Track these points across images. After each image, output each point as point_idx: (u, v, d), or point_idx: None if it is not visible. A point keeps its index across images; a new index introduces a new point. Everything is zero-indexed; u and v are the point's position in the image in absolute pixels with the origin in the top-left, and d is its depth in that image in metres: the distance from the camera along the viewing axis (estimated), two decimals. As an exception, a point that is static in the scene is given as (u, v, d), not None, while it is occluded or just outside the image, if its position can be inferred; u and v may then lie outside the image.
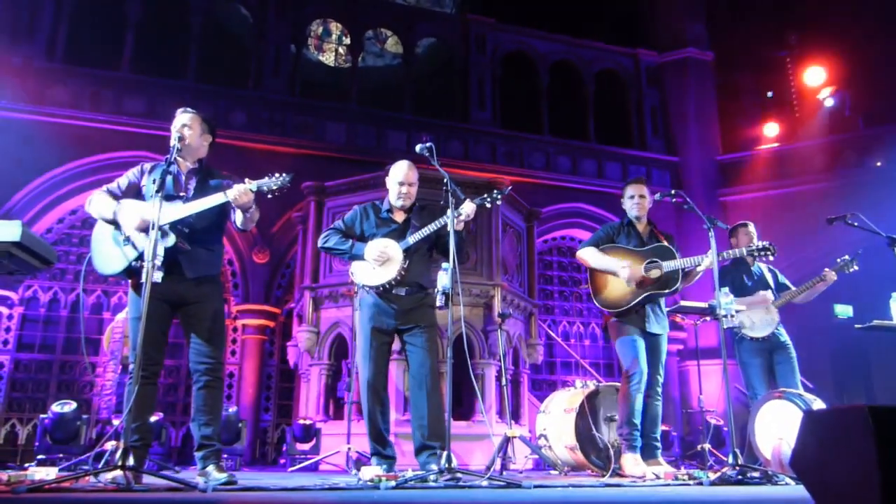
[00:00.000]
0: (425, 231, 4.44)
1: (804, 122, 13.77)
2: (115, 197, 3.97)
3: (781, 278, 5.99)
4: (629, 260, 5.12)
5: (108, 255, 3.88)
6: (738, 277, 5.83)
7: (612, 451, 5.60)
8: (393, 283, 4.42)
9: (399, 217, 4.67)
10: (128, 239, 3.83)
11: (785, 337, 5.73)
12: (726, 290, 4.59)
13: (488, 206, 4.52)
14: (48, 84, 11.15)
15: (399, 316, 4.47)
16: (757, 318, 5.67)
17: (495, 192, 4.55)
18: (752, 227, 5.98)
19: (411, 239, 4.46)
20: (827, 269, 5.66)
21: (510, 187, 4.80)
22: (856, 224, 5.60)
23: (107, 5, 12.29)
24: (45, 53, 11.52)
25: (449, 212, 4.20)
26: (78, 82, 11.37)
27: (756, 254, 5.00)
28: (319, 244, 4.71)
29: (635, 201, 5.29)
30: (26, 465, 6.70)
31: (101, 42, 12.04)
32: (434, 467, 3.91)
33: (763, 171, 13.45)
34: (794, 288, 5.82)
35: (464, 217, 4.34)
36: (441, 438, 4.28)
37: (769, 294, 5.72)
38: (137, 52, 12.08)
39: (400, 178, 4.62)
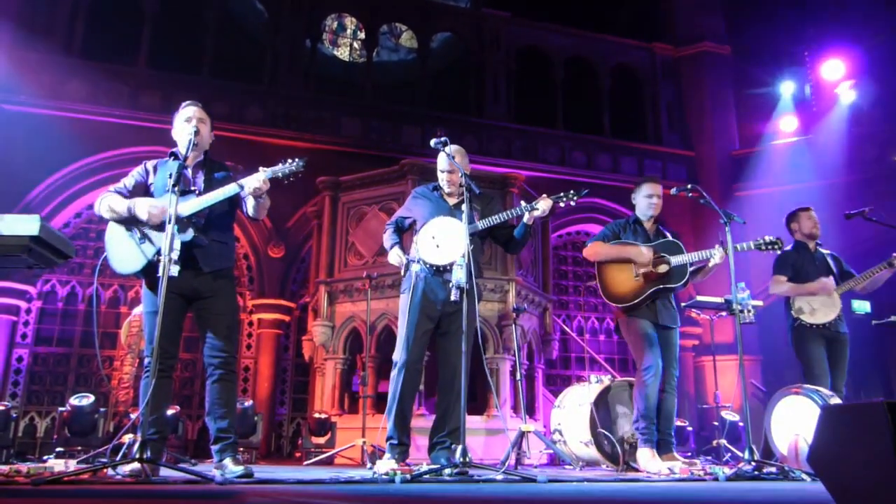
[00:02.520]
0: (495, 219, 4.45)
1: (822, 116, 13.64)
2: (124, 197, 3.98)
3: (846, 266, 5.76)
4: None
5: (125, 255, 3.89)
6: (799, 263, 5.62)
7: (626, 446, 5.59)
8: (455, 264, 4.31)
9: (450, 200, 4.71)
10: (144, 236, 3.84)
11: (844, 329, 5.53)
12: (743, 284, 4.57)
13: (562, 205, 4.56)
14: (66, 79, 11.22)
15: (447, 303, 4.41)
16: (817, 303, 5.48)
17: (572, 192, 4.55)
18: (813, 213, 5.79)
19: (480, 224, 4.45)
20: (895, 255, 5.43)
21: (587, 190, 4.78)
22: (874, 219, 5.54)
23: (123, 1, 12.36)
24: (63, 48, 11.60)
25: (464, 206, 4.18)
26: (95, 77, 11.43)
27: (763, 247, 4.94)
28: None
29: (652, 201, 5.24)
30: (45, 457, 6.77)
31: (117, 37, 12.11)
32: (444, 461, 3.91)
33: (780, 166, 13.35)
34: (858, 275, 5.63)
35: (538, 213, 4.39)
36: (458, 437, 4.27)
37: (830, 281, 5.50)
38: (154, 48, 12.14)
39: (440, 167, 4.71)
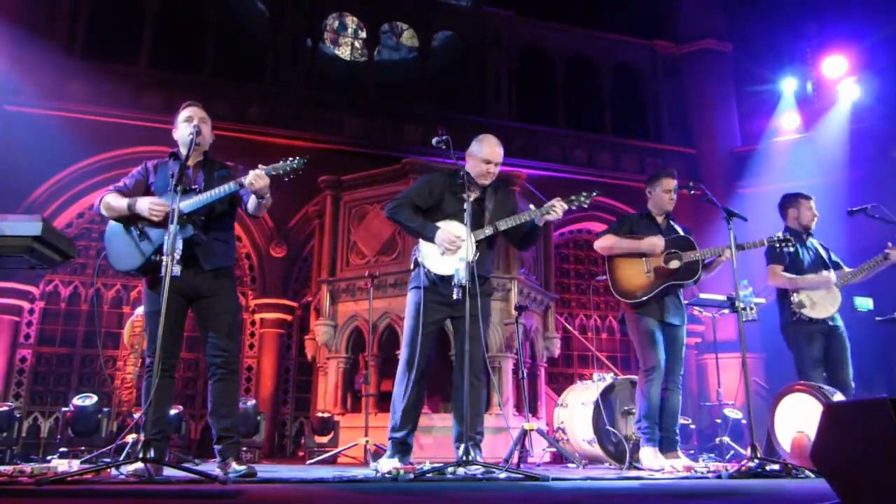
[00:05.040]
0: (503, 224, 4.30)
1: (824, 113, 13.62)
2: (124, 196, 3.98)
3: (834, 257, 5.68)
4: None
5: (123, 253, 3.90)
6: (794, 252, 5.50)
7: (629, 444, 5.59)
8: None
9: (471, 194, 4.34)
10: (143, 234, 3.85)
11: (840, 322, 5.45)
12: (745, 282, 4.55)
13: (574, 207, 4.38)
14: (67, 79, 11.22)
15: (454, 304, 4.23)
16: (818, 297, 5.38)
17: (584, 194, 4.38)
18: (814, 203, 5.66)
19: (488, 229, 4.30)
20: (890, 245, 5.34)
21: (597, 191, 4.56)
22: (877, 216, 5.52)
23: (125, 0, 12.36)
24: (64, 49, 11.60)
25: (467, 204, 4.16)
26: (96, 77, 11.42)
27: (776, 244, 4.91)
28: (387, 213, 4.46)
29: (671, 196, 5.20)
30: (48, 457, 6.77)
31: (119, 37, 12.12)
32: (478, 456, 3.88)
33: (782, 164, 13.34)
34: (847, 268, 5.55)
35: (551, 218, 4.28)
36: (477, 428, 4.23)
37: (832, 275, 5.40)
38: (155, 47, 12.15)
39: (487, 157, 4.44)
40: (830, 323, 5.41)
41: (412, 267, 4.47)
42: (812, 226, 5.67)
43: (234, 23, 13.79)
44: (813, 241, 5.67)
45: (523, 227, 4.41)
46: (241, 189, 3.88)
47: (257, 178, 3.81)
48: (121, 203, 3.89)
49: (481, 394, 4.35)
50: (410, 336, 4.34)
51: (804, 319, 5.37)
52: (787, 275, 5.44)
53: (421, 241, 4.39)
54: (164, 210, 3.77)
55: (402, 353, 4.39)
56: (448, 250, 4.22)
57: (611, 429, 5.98)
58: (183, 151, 3.97)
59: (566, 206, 4.30)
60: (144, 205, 3.83)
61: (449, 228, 4.28)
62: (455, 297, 4.00)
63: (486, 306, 4.44)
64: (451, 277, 4.17)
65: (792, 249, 5.04)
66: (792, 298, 5.42)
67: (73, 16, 11.88)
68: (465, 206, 4.16)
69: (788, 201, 5.75)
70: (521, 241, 4.56)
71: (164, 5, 12.38)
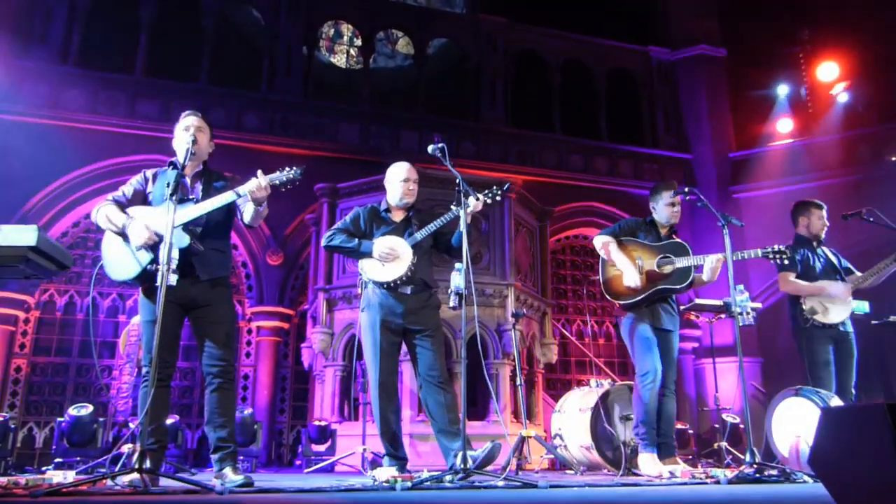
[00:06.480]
0: (432, 227, 4.48)
1: (818, 117, 13.68)
2: (122, 205, 3.97)
3: (844, 262, 5.69)
4: (643, 254, 5.11)
5: (120, 262, 3.89)
6: (805, 259, 5.55)
7: (627, 450, 5.58)
8: (403, 279, 4.42)
9: (397, 217, 4.71)
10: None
11: (850, 327, 5.47)
12: (741, 287, 4.55)
13: (489, 201, 4.50)
14: (62, 88, 11.21)
15: (406, 315, 4.45)
16: (829, 303, 5.41)
17: (495, 187, 4.54)
18: (825, 213, 5.69)
19: (419, 235, 4.50)
20: None
21: (509, 183, 4.85)
22: (871, 220, 5.53)
23: (120, 8, 12.35)
24: (60, 57, 11.58)
25: (462, 212, 4.18)
26: (92, 86, 11.41)
27: (771, 256, 4.91)
28: (324, 243, 4.72)
29: (675, 210, 5.22)
30: (44, 468, 6.74)
31: (114, 45, 12.10)
32: (453, 459, 3.90)
33: (777, 168, 13.37)
34: (858, 273, 5.55)
35: (470, 211, 4.34)
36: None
37: (847, 288, 5.43)
38: (150, 55, 12.13)
39: (405, 176, 4.71)
40: (841, 328, 5.43)
41: (359, 291, 4.65)
42: (822, 235, 5.69)
43: (230, 31, 13.80)
44: (823, 249, 5.69)
45: (446, 233, 4.64)
46: (238, 199, 3.87)
47: (260, 187, 3.81)
48: (117, 221, 3.88)
49: (455, 400, 4.43)
50: (372, 355, 4.48)
51: (817, 325, 5.38)
52: (802, 283, 5.45)
53: (360, 261, 4.59)
54: (150, 241, 3.77)
55: (369, 374, 4.53)
56: (386, 258, 4.46)
57: (609, 433, 5.97)
58: (180, 161, 3.96)
59: (484, 200, 4.42)
60: (135, 233, 3.81)
61: (382, 241, 4.51)
62: (452, 304, 4.07)
63: (435, 319, 4.59)
64: (398, 285, 4.45)
65: (787, 262, 5.05)
66: (803, 305, 5.43)
67: (69, 25, 11.86)
68: (461, 212, 4.18)
69: (799, 210, 5.80)
70: (450, 248, 4.67)
71: (160, 14, 12.38)
